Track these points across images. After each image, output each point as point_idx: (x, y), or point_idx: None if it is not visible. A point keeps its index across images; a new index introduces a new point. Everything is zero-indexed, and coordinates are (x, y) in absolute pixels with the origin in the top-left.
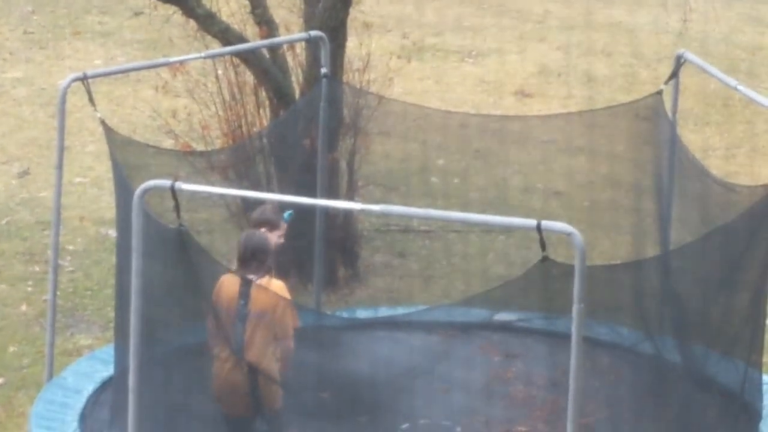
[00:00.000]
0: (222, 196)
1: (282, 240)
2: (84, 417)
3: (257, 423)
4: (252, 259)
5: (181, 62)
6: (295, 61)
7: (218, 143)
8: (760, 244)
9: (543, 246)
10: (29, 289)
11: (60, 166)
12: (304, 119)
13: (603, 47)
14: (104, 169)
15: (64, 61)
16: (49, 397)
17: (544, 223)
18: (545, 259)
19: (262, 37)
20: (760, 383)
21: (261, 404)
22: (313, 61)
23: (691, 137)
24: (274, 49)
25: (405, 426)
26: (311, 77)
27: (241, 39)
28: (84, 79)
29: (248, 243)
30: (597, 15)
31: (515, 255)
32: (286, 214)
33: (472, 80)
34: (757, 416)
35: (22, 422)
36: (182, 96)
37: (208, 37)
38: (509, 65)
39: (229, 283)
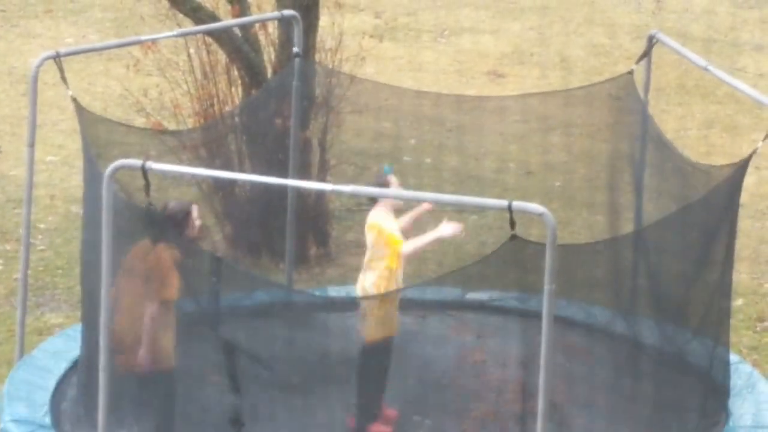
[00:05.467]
0: (193, 175)
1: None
2: (55, 395)
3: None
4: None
5: (153, 41)
6: (268, 40)
7: (190, 122)
8: (726, 223)
9: (512, 225)
10: (0, 267)
11: (32, 145)
12: (277, 98)
13: (577, 27)
14: (76, 148)
15: (35, 39)
16: (20, 376)
17: (516, 203)
18: (514, 237)
19: (235, 16)
20: (727, 361)
21: (131, 363)
22: (286, 40)
23: (664, 116)
24: (246, 27)
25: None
26: (283, 56)
27: (214, 18)
28: (56, 57)
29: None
30: None
31: (488, 235)
32: (386, 168)
33: (445, 60)
34: (726, 394)
35: None
36: (154, 74)
37: (180, 16)
38: (482, 45)
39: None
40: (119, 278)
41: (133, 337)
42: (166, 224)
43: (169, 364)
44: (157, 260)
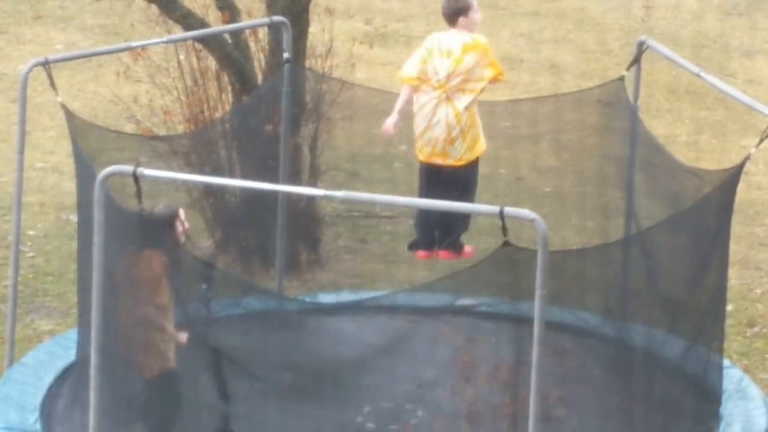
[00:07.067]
0: (184, 181)
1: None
2: (44, 403)
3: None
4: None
5: (143, 47)
6: (258, 47)
7: (180, 128)
8: (720, 229)
9: (504, 231)
10: None
11: (21, 152)
12: (267, 105)
13: (566, 34)
14: (65, 155)
15: (24, 46)
16: (10, 384)
17: (507, 209)
18: (506, 244)
19: (225, 23)
20: (720, 367)
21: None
22: (276, 47)
23: (653, 124)
24: (236, 34)
25: (367, 410)
26: (274, 63)
27: (203, 24)
28: (45, 64)
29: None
30: (561, 1)
31: (478, 241)
32: None
33: None
34: (717, 400)
35: None
36: (144, 81)
37: (170, 23)
38: None
39: None
40: (117, 284)
41: (134, 341)
42: (154, 227)
43: (170, 366)
44: (147, 266)
